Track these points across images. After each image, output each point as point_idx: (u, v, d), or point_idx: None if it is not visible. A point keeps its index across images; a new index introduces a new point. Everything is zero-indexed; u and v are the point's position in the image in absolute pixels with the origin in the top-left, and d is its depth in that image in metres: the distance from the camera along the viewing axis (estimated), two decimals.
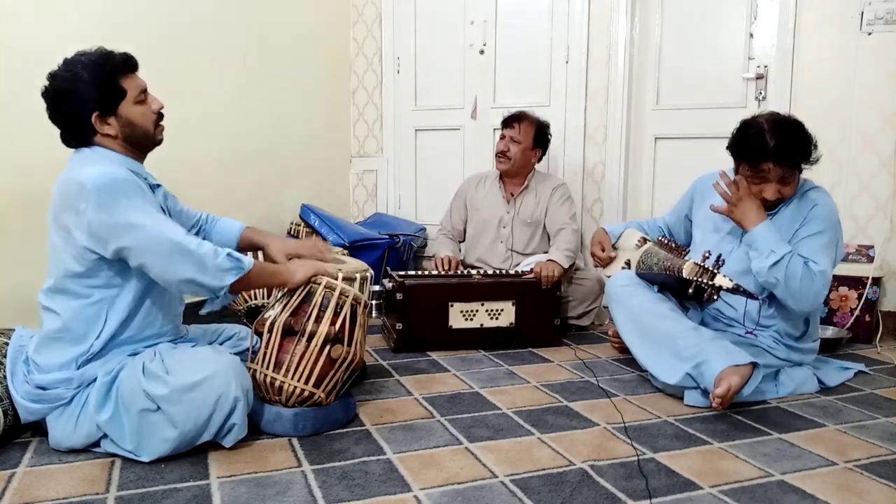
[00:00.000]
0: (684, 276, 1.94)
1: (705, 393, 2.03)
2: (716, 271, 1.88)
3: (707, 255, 1.95)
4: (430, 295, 2.66)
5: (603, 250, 2.58)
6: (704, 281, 1.89)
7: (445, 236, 3.26)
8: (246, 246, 2.11)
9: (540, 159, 3.20)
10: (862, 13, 2.88)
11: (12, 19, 2.37)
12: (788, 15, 3.01)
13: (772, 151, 2.04)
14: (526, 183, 3.15)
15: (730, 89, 3.20)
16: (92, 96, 1.68)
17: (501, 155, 3.10)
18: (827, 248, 2.09)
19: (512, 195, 3.16)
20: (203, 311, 1.79)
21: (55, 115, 1.71)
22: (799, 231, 2.13)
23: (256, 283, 1.82)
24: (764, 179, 2.10)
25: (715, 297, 1.94)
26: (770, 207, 2.17)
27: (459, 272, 2.93)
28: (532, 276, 2.76)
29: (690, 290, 1.94)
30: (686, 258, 2.12)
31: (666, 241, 2.32)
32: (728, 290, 1.86)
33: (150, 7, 2.85)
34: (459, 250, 3.30)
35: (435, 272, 2.94)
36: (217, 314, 1.87)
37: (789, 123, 2.10)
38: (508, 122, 3.13)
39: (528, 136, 3.09)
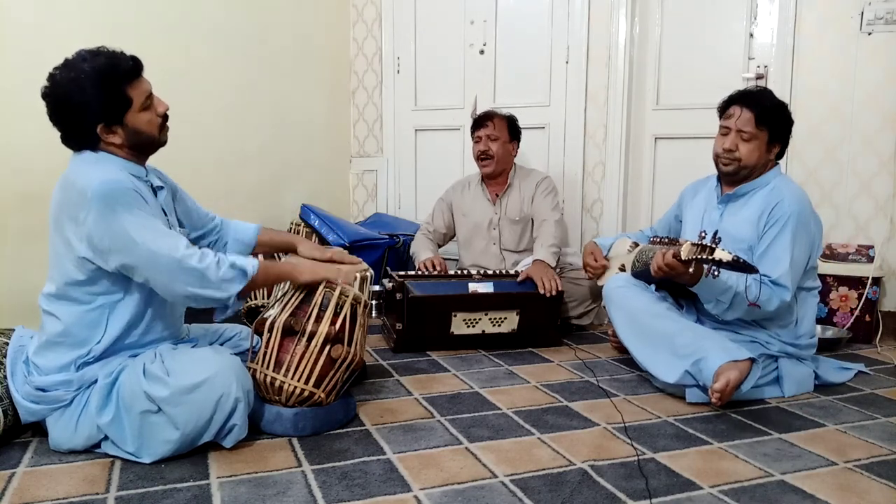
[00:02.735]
0: (683, 257, 1.93)
1: (706, 390, 2.03)
2: (714, 246, 1.87)
3: (703, 234, 1.95)
4: (433, 305, 2.62)
5: (595, 260, 2.65)
6: (704, 257, 1.88)
7: (425, 236, 3.21)
8: (265, 247, 2.11)
9: (516, 153, 3.19)
10: (862, 13, 2.88)
11: (12, 18, 2.37)
12: (788, 15, 3.01)
13: (740, 95, 2.24)
14: (509, 181, 3.14)
15: (730, 89, 3.14)
16: (96, 107, 1.63)
17: (483, 155, 3.08)
18: (789, 249, 2.09)
19: (497, 195, 3.15)
20: (216, 319, 1.77)
21: (56, 120, 1.66)
22: (765, 235, 2.14)
23: (263, 283, 1.80)
24: (728, 130, 2.21)
25: (716, 275, 1.93)
26: (736, 180, 2.23)
27: (458, 271, 2.92)
28: (526, 276, 2.74)
29: (691, 270, 1.94)
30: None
31: (658, 239, 2.34)
32: (728, 262, 1.84)
33: (150, 7, 2.86)
34: (437, 251, 3.22)
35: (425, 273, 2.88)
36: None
37: (771, 91, 2.32)
38: (480, 122, 3.11)
39: (503, 131, 3.08)
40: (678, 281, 2.09)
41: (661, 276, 2.06)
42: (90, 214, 1.59)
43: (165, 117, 1.78)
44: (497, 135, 3.07)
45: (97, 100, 1.62)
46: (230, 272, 1.67)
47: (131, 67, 1.67)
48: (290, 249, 2.10)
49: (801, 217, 2.12)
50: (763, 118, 2.17)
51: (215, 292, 1.66)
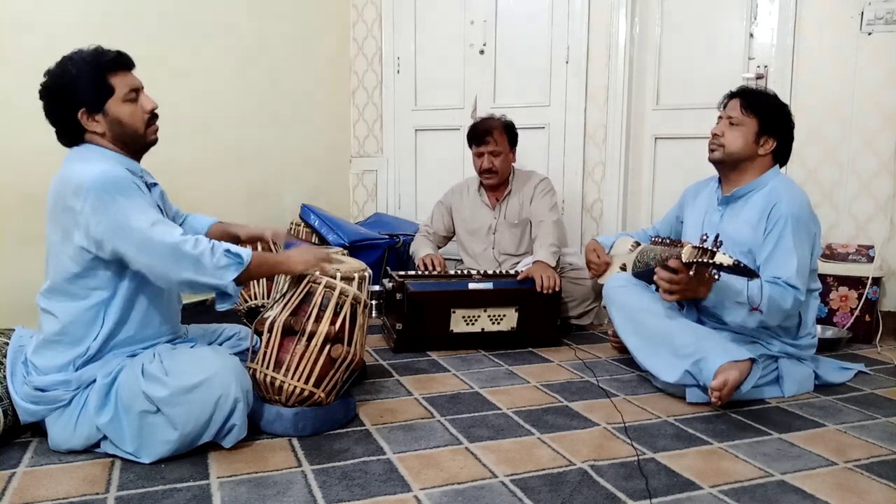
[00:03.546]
0: (684, 260, 1.93)
1: (706, 390, 2.03)
2: (715, 250, 1.87)
3: (705, 237, 1.95)
4: (432, 301, 2.63)
5: (598, 257, 2.64)
6: (705, 260, 1.88)
7: (425, 237, 3.20)
8: (216, 237, 2.10)
9: (514, 158, 3.16)
10: (862, 13, 2.88)
11: (12, 18, 2.37)
12: (788, 15, 3.01)
13: (737, 89, 2.32)
14: (509, 186, 3.12)
15: (730, 89, 3.20)
16: (79, 92, 1.66)
17: (487, 172, 3.04)
18: (794, 250, 2.09)
19: (497, 200, 3.14)
20: (218, 308, 1.75)
21: (47, 112, 1.70)
22: (767, 238, 2.13)
23: (259, 274, 1.80)
24: (720, 119, 2.28)
25: (716, 278, 1.93)
26: (726, 171, 2.28)
27: (459, 272, 2.92)
28: (526, 276, 2.74)
29: (692, 273, 1.94)
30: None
31: (660, 240, 2.34)
32: (729, 266, 1.84)
33: (151, 7, 2.86)
34: (437, 250, 3.21)
35: (426, 272, 2.88)
36: (218, 313, 1.86)
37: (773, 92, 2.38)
38: (480, 138, 3.02)
39: (504, 143, 3.04)
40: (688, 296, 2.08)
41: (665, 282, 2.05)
42: (87, 204, 1.60)
43: (153, 116, 1.77)
44: (499, 150, 3.02)
45: (79, 83, 1.66)
46: (225, 259, 1.68)
47: (115, 58, 1.71)
48: (236, 237, 2.11)
49: (799, 218, 2.12)
50: (750, 105, 2.21)
51: (211, 279, 1.66)
